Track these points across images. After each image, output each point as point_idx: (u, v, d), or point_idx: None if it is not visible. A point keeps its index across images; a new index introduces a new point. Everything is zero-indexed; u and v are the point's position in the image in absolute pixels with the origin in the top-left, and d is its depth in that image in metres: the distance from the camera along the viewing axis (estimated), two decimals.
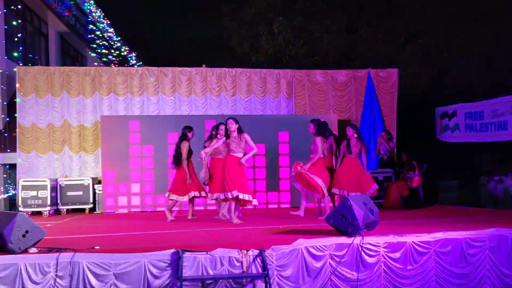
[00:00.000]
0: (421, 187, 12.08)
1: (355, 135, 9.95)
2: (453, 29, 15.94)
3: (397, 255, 6.95)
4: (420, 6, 16.66)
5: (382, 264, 6.90)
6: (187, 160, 9.78)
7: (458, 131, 13.76)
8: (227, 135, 8.88)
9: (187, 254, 6.26)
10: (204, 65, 13.62)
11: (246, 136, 8.87)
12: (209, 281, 6.31)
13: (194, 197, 9.89)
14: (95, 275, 6.06)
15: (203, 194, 9.90)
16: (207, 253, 6.34)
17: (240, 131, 8.83)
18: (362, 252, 6.79)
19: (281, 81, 13.67)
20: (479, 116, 13.18)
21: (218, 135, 9.50)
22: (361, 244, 6.78)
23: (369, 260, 6.84)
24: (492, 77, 14.68)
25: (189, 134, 9.91)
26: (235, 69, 13.67)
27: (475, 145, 13.67)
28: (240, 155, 8.83)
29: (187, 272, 6.23)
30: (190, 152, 9.86)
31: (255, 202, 8.89)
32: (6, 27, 13.88)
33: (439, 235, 7.14)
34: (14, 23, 14.38)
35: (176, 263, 6.19)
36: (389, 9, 17.60)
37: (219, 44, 22.71)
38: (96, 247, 6.33)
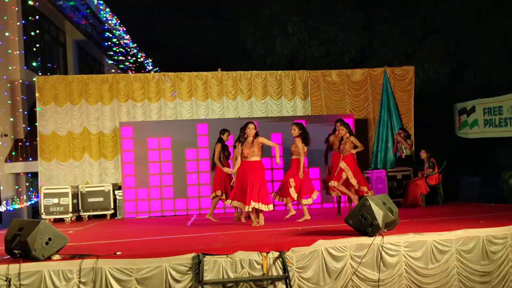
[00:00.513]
0: (441, 184, 11.98)
1: (347, 134, 9.96)
2: (472, 23, 15.76)
3: (418, 254, 6.91)
4: (436, 0, 16.51)
5: (403, 263, 6.86)
6: (220, 161, 10.02)
7: (477, 127, 13.61)
8: (243, 139, 8.93)
9: (207, 258, 6.31)
10: (219, 69, 13.68)
11: (260, 139, 8.92)
12: (230, 284, 6.35)
13: (216, 196, 10.03)
14: (118, 280, 6.14)
15: (223, 197, 10.02)
16: (227, 256, 6.38)
17: (256, 135, 8.90)
18: (383, 252, 6.76)
19: (296, 82, 13.67)
20: (498, 111, 13.03)
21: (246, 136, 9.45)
22: (382, 244, 6.75)
23: (390, 259, 6.81)
24: None
25: (224, 137, 10.24)
26: (250, 71, 13.71)
27: (495, 141, 13.51)
28: (255, 158, 8.87)
29: (208, 275, 6.28)
30: (225, 153, 10.15)
31: (267, 208, 8.88)
32: (24, 37, 14.12)
33: (460, 232, 7.08)
34: (33, 33, 14.61)
35: (197, 267, 6.24)
36: (405, 4, 17.48)
37: (234, 47, 22.78)
38: (117, 253, 6.40)
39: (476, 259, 7.04)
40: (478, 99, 13.79)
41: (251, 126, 8.93)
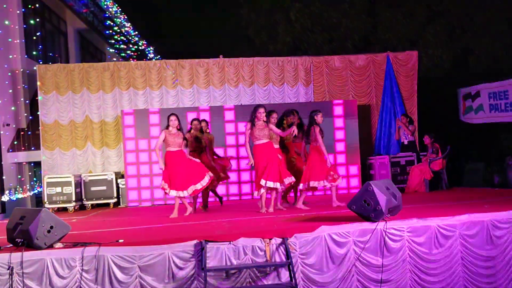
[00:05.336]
0: (444, 169, 11.92)
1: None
2: (477, 7, 15.58)
3: (421, 239, 6.85)
4: None
5: (406, 248, 6.82)
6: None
7: (482, 112, 13.50)
8: (253, 122, 8.79)
9: (210, 245, 6.28)
10: (221, 56, 13.58)
11: (271, 125, 8.84)
12: (233, 271, 6.33)
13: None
14: (120, 268, 6.12)
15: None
16: (230, 243, 6.35)
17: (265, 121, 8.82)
18: (386, 237, 6.72)
19: (299, 69, 13.57)
20: (503, 95, 12.91)
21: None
22: (385, 229, 6.71)
23: (394, 245, 6.77)
24: None
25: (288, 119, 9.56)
26: (252, 58, 13.61)
27: (500, 126, 13.41)
28: (265, 140, 8.77)
29: (210, 262, 6.26)
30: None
31: (276, 186, 8.74)
32: (24, 26, 14.04)
33: (464, 217, 7.02)
34: (33, 22, 14.53)
35: (199, 254, 6.22)
36: None
37: (237, 34, 22.63)
38: (120, 240, 6.38)
39: (481, 244, 6.98)
40: (483, 83, 13.68)
41: (261, 110, 8.82)
